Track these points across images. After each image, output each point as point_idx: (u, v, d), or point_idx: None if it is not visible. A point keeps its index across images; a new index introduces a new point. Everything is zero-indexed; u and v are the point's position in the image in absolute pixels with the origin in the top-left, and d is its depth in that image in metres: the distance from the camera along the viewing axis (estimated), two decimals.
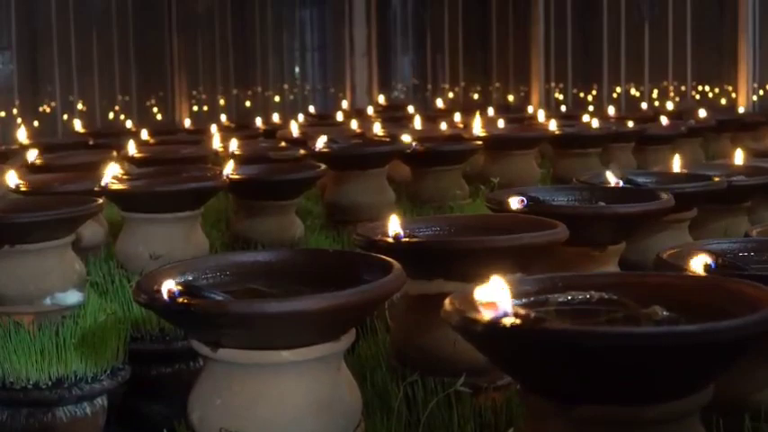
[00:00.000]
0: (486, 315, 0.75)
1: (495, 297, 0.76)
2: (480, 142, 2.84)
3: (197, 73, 5.62)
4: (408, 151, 2.55)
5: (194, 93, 5.63)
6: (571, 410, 0.75)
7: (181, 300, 0.92)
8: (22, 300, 1.75)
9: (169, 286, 0.93)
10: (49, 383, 1.72)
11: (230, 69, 5.84)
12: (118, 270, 2.01)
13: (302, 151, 2.51)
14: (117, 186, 1.91)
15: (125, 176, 2.02)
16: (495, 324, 0.74)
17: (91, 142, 3.55)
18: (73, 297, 1.75)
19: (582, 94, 6.16)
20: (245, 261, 1.09)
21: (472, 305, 0.79)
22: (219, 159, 2.75)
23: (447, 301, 0.82)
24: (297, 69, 6.34)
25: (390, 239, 1.19)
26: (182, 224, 1.98)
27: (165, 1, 5.27)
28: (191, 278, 1.00)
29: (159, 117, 5.43)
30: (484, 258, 1.18)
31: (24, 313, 1.74)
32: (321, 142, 2.43)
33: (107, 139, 3.58)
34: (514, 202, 1.44)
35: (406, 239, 1.20)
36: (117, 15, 5.21)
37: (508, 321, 0.73)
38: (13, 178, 2.19)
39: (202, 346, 0.99)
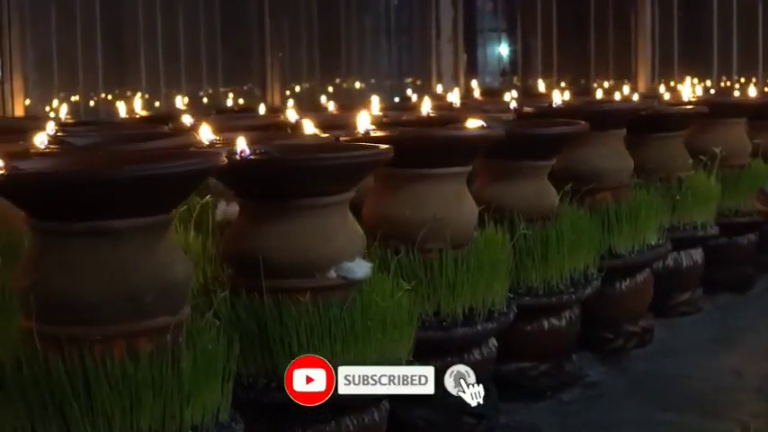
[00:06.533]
0: None
1: None
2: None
3: (284, 61, 5.27)
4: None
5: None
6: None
7: None
8: (300, 271, 1.33)
9: None
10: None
11: (316, 57, 5.50)
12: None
13: (533, 108, 2.11)
14: (387, 133, 1.52)
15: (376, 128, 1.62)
16: None
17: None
18: (361, 269, 1.35)
19: (668, 86, 5.79)
20: None
21: None
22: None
23: None
24: (382, 56, 5.99)
25: None
26: (454, 182, 1.60)
27: None
28: None
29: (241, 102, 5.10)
30: None
31: (303, 289, 1.33)
32: (558, 99, 2.04)
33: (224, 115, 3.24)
34: None
35: None
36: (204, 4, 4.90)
37: None
38: (207, 133, 1.78)
39: None
